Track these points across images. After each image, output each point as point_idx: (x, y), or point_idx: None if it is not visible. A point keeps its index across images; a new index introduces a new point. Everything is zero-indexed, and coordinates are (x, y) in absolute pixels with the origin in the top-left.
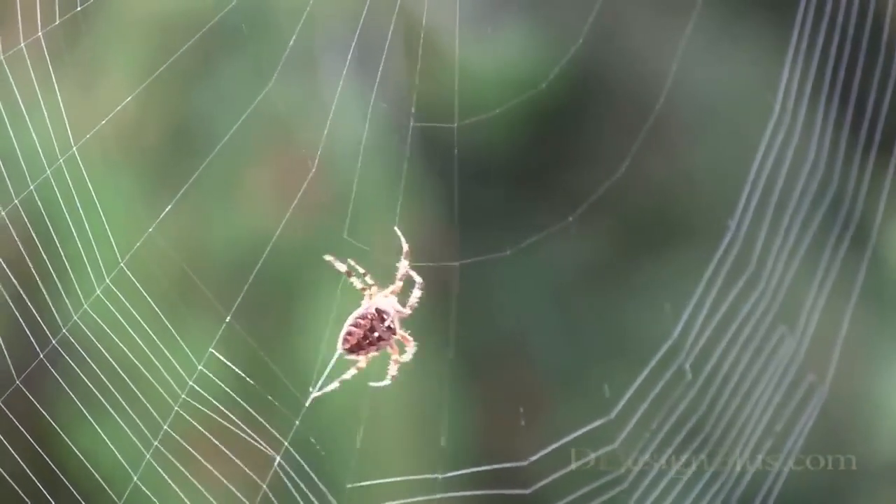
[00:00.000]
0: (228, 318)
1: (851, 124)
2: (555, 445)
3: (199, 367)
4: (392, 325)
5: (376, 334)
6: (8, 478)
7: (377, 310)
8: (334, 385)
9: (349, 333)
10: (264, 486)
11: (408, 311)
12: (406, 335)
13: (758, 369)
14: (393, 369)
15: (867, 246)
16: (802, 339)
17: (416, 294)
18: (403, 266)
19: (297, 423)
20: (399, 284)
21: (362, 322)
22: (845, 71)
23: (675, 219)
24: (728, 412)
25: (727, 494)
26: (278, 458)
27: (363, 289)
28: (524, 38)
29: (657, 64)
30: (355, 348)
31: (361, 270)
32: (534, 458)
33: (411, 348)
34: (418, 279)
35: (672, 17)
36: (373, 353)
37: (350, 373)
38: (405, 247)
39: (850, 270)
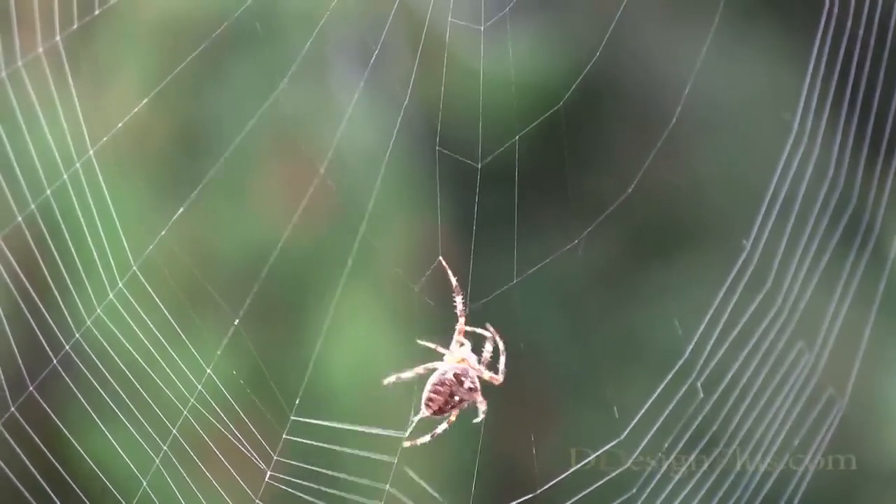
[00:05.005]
0: (237, 321)
1: (871, 139)
2: (567, 473)
3: (208, 371)
4: (473, 385)
5: (457, 398)
6: (17, 481)
7: (455, 375)
8: (426, 438)
9: (430, 399)
10: (257, 501)
11: (484, 369)
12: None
13: (775, 385)
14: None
15: (887, 260)
16: (821, 354)
17: (489, 348)
18: (461, 323)
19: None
20: (466, 342)
21: (441, 389)
22: (865, 85)
23: (689, 232)
24: (743, 428)
25: None
26: (268, 473)
27: (443, 354)
28: (542, 51)
29: (672, 76)
30: (439, 412)
31: (432, 345)
32: (545, 487)
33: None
34: (487, 333)
35: (688, 28)
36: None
37: (442, 427)
38: (460, 306)
39: (869, 284)
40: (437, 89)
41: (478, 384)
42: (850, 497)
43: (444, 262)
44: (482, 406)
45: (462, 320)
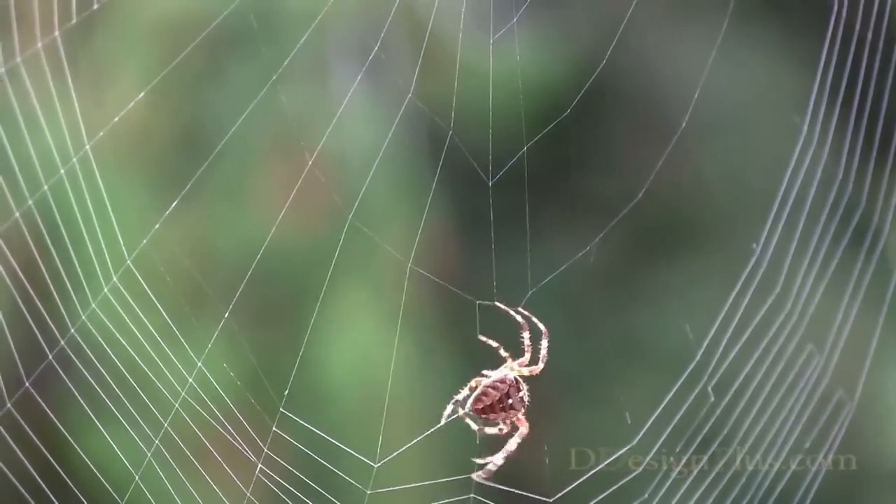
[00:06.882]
0: (227, 314)
1: (880, 143)
2: (582, 479)
3: (199, 365)
4: (525, 399)
5: (510, 401)
6: (11, 476)
7: (516, 380)
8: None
9: (485, 394)
10: (248, 494)
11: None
12: (522, 417)
13: (785, 387)
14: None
15: (894, 263)
16: (830, 357)
17: (526, 336)
18: (543, 347)
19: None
20: (527, 358)
21: (500, 386)
22: (874, 89)
23: (696, 235)
24: (754, 432)
25: None
26: (259, 465)
27: (507, 356)
28: (549, 56)
29: (677, 79)
30: (487, 410)
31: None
32: (559, 495)
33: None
34: (520, 319)
35: (693, 33)
36: (494, 424)
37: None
38: (544, 329)
39: (877, 287)
40: (448, 89)
41: (526, 401)
42: (850, 497)
43: (528, 314)
44: (523, 428)
45: (528, 357)
